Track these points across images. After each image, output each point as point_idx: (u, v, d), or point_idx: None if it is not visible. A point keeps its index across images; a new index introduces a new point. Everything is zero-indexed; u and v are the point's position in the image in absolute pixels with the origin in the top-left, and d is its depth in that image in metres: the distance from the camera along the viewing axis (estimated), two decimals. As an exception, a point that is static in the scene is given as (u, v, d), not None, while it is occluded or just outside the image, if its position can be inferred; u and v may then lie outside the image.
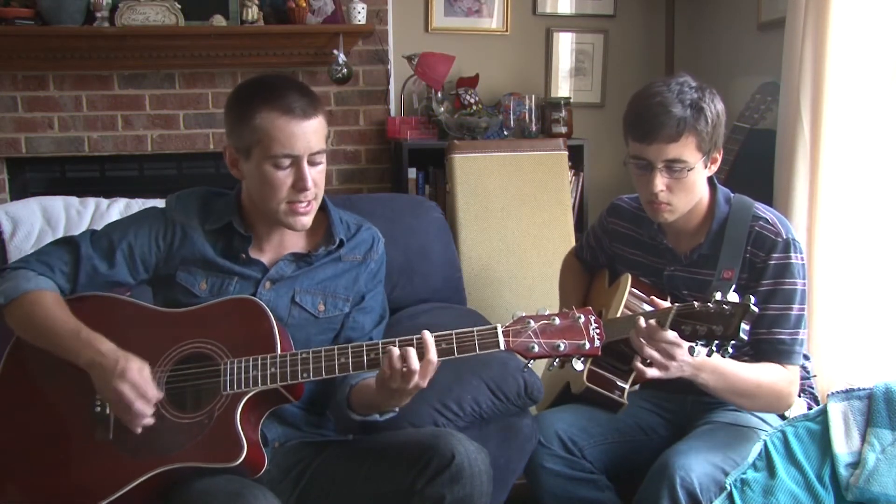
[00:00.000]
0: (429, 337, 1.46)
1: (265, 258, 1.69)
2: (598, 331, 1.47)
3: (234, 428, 1.47)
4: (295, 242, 1.72)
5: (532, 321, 1.47)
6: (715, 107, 1.71)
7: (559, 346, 1.46)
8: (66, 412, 1.53)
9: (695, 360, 1.59)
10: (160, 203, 1.75)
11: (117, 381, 1.44)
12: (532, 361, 1.51)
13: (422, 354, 1.45)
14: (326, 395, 1.76)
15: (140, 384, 1.45)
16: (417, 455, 1.52)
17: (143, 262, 1.67)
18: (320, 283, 1.71)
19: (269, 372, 1.50)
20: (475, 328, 1.48)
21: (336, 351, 1.51)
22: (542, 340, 1.46)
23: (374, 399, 1.57)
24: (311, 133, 1.57)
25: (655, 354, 1.58)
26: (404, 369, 1.45)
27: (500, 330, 1.47)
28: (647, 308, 1.80)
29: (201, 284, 1.66)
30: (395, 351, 1.45)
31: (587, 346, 1.46)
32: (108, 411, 1.51)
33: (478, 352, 1.47)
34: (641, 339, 1.58)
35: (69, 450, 1.51)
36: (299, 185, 1.57)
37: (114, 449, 1.47)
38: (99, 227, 1.74)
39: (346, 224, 1.77)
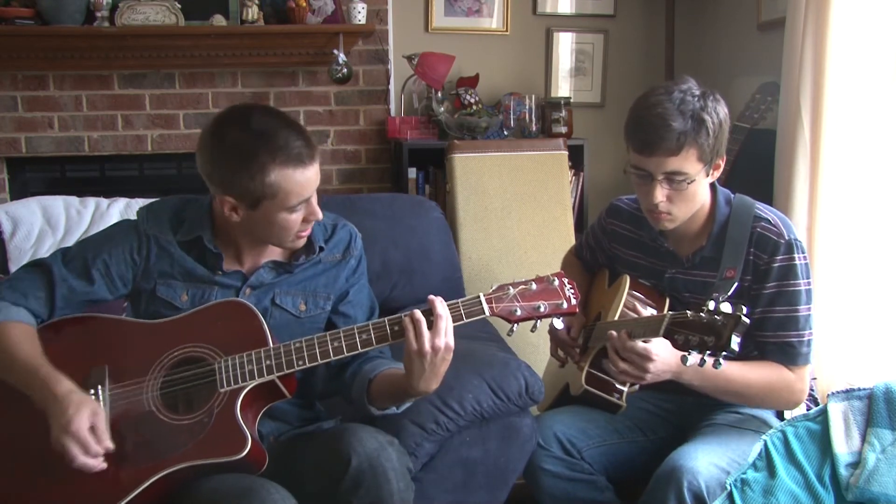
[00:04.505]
0: (434, 297, 1.53)
1: (244, 267, 1.68)
2: (572, 291, 1.56)
3: (235, 421, 1.47)
4: (273, 251, 1.70)
5: (511, 287, 1.55)
6: (717, 115, 1.67)
7: (539, 307, 1.54)
8: None
9: (674, 362, 1.64)
10: (133, 216, 1.73)
11: (62, 434, 1.40)
12: (516, 326, 1.56)
13: (430, 312, 1.51)
14: (315, 388, 1.78)
15: (84, 440, 1.40)
16: (324, 457, 1.50)
17: (120, 278, 1.65)
18: (300, 284, 1.71)
19: (264, 364, 1.51)
20: (459, 299, 1.55)
21: (328, 336, 1.54)
22: (523, 304, 1.54)
23: (397, 388, 1.59)
24: (316, 173, 1.58)
25: (628, 369, 1.65)
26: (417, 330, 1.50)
27: (482, 297, 1.54)
28: (646, 310, 1.80)
29: (182, 296, 1.64)
30: (415, 313, 1.52)
31: (564, 305, 1.55)
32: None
33: (465, 320, 1.53)
34: (615, 354, 1.66)
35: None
36: (311, 218, 1.61)
37: (115, 457, 1.45)
38: (98, 227, 1.73)
39: (323, 226, 1.76)
